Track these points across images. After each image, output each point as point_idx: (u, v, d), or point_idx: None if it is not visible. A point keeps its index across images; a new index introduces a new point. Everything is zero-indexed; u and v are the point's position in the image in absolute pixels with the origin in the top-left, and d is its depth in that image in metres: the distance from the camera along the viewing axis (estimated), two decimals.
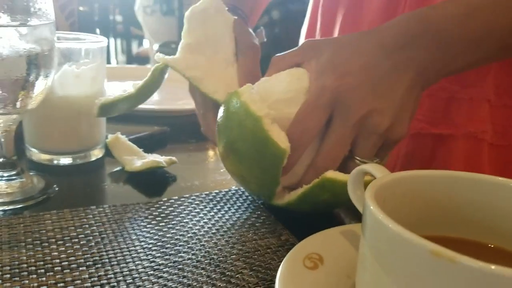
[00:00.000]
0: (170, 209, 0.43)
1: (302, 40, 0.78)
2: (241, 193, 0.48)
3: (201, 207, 0.44)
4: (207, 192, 0.48)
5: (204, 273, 0.34)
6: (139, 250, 0.36)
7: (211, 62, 0.49)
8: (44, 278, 0.32)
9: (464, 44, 0.44)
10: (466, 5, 0.44)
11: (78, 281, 0.32)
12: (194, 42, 0.49)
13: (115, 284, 0.32)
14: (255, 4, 0.70)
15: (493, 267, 0.20)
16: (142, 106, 0.54)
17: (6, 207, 0.42)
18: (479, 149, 0.57)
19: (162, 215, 0.42)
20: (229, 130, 0.40)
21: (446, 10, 0.44)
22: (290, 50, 0.46)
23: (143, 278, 0.33)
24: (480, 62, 0.49)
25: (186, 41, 0.49)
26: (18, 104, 0.42)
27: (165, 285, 0.32)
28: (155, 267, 0.34)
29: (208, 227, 0.41)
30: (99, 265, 0.34)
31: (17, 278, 0.32)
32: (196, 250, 0.37)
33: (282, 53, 0.46)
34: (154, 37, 2.74)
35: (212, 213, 0.43)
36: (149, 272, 0.34)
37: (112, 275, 0.33)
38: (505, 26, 0.44)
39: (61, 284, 0.32)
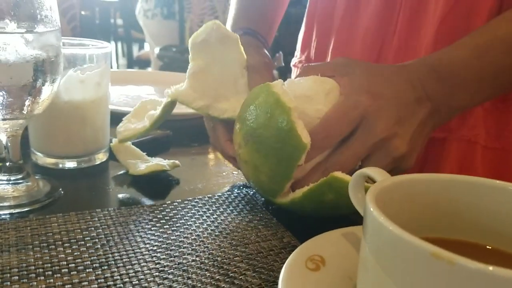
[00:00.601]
0: (174, 211, 0.44)
1: (299, 44, 0.79)
2: (243, 195, 0.49)
3: (204, 209, 0.45)
4: (210, 195, 0.48)
5: (208, 274, 0.35)
6: (144, 252, 0.37)
7: (218, 85, 0.50)
8: (51, 280, 0.33)
9: (477, 84, 0.48)
10: (474, 48, 0.48)
11: (85, 283, 0.33)
12: (199, 69, 0.50)
13: (121, 285, 0.33)
14: (272, 24, 0.72)
15: (491, 268, 0.21)
16: None
17: (12, 210, 0.43)
18: (472, 151, 0.58)
19: (166, 217, 0.43)
20: (254, 117, 0.41)
21: (454, 56, 0.48)
22: (322, 63, 0.49)
23: (148, 279, 0.34)
24: (494, 95, 0.53)
25: (192, 69, 0.51)
26: (25, 110, 0.43)
27: (170, 286, 0.33)
28: (160, 268, 0.35)
29: (212, 229, 0.41)
30: (105, 267, 0.35)
31: (25, 280, 0.33)
32: (200, 252, 0.38)
33: (314, 63, 0.48)
34: (155, 40, 2.74)
35: (215, 216, 0.44)
36: (154, 274, 0.34)
37: (118, 277, 0.34)
38: (510, 65, 0.48)
39: (69, 286, 0.32)
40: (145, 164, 0.52)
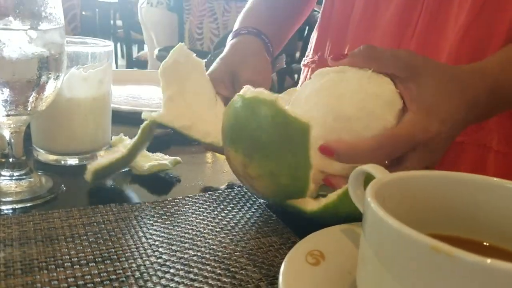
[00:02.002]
0: (175, 208, 0.45)
1: (312, 45, 0.79)
2: (243, 193, 0.49)
3: (205, 206, 0.46)
4: (211, 192, 0.49)
5: (209, 269, 0.35)
6: (146, 247, 0.37)
7: (195, 108, 0.51)
8: (54, 274, 0.33)
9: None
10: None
11: (88, 277, 0.33)
12: (174, 94, 0.50)
13: (124, 279, 0.33)
14: (278, 31, 0.72)
15: (489, 261, 0.21)
16: (146, 108, 0.56)
17: (15, 206, 0.43)
18: (485, 155, 0.59)
19: (167, 213, 0.43)
20: (245, 131, 0.40)
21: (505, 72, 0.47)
22: (387, 51, 0.42)
23: (150, 273, 0.34)
24: None
25: (166, 95, 0.50)
26: (28, 106, 0.43)
27: (171, 279, 0.33)
28: (161, 263, 0.35)
29: (213, 225, 0.42)
30: (108, 261, 0.35)
31: (28, 274, 0.33)
32: (202, 247, 0.38)
33: (379, 49, 0.43)
34: (153, 31, 2.73)
35: (216, 212, 0.44)
36: (156, 268, 0.35)
37: (121, 271, 0.34)
38: None
39: (71, 279, 0.33)
40: (148, 164, 0.52)
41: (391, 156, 0.40)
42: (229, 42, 0.65)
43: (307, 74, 0.80)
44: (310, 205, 0.41)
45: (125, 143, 0.54)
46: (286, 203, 0.42)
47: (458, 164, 0.60)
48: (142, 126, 0.48)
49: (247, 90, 0.41)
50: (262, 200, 0.48)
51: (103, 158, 0.49)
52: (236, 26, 0.68)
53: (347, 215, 0.38)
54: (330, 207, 0.40)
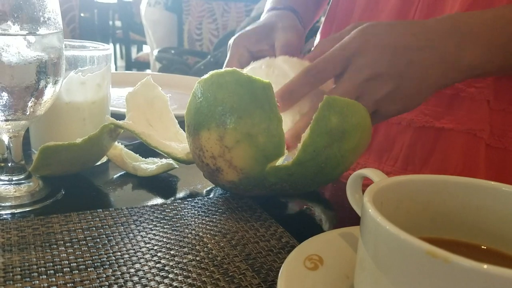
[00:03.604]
0: (174, 211, 0.45)
1: (318, 39, 0.81)
2: (241, 197, 0.49)
3: (204, 210, 0.46)
4: (210, 196, 0.49)
5: (208, 273, 0.35)
6: (145, 252, 0.37)
7: (156, 128, 0.54)
8: (53, 279, 0.33)
9: (487, 43, 0.47)
10: (492, 15, 0.48)
11: (87, 281, 0.33)
12: (137, 115, 0.53)
13: (122, 284, 0.33)
14: (308, 12, 0.74)
15: (485, 266, 0.22)
16: None
17: (14, 210, 0.43)
18: (476, 146, 0.60)
19: (166, 217, 0.43)
20: (214, 105, 0.43)
21: (475, 17, 0.48)
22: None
23: (149, 278, 0.34)
24: (505, 69, 0.52)
25: (129, 115, 0.53)
26: (27, 111, 0.43)
27: (170, 285, 0.34)
28: (160, 267, 0.36)
29: (211, 229, 0.42)
30: (107, 266, 0.35)
31: (27, 279, 0.33)
32: (200, 252, 0.38)
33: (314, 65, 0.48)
34: (152, 29, 2.73)
35: (215, 216, 0.45)
36: (155, 273, 0.35)
37: (120, 276, 0.34)
38: None
39: (70, 285, 0.33)
40: (155, 164, 0.53)
41: (327, 74, 0.45)
42: (265, 14, 0.66)
43: None
44: (290, 161, 0.43)
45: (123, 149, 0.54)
46: (266, 170, 0.43)
47: (450, 153, 0.61)
48: (103, 124, 0.48)
49: (202, 78, 0.45)
50: (260, 205, 0.48)
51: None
52: (269, 5, 0.69)
53: (325, 147, 0.41)
54: (308, 144, 0.41)
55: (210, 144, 0.44)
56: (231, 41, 0.59)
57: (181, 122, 0.75)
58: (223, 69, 0.44)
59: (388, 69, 0.44)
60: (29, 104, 0.43)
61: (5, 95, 0.41)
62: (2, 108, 0.42)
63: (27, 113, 0.43)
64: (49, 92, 0.44)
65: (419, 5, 0.62)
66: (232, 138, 0.42)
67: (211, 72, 0.44)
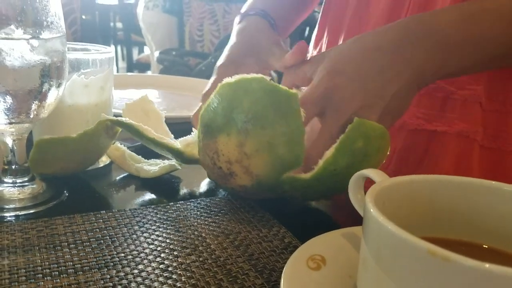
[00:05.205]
0: (177, 213, 0.45)
1: (313, 41, 0.81)
2: (244, 198, 0.49)
3: (207, 210, 0.46)
4: (212, 197, 0.49)
5: (211, 274, 0.36)
6: (148, 253, 0.38)
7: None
8: (58, 280, 0.34)
9: (461, 48, 0.47)
10: (461, 13, 0.47)
11: (91, 282, 0.34)
12: (136, 121, 0.52)
13: (127, 284, 0.34)
14: (286, 14, 0.74)
15: (486, 265, 0.22)
16: None
17: (18, 213, 0.43)
18: (470, 148, 0.60)
19: (169, 218, 0.44)
20: (238, 111, 0.42)
21: (444, 15, 0.47)
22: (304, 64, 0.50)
23: (153, 279, 0.34)
24: (476, 67, 0.52)
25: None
26: (31, 114, 0.43)
27: (174, 285, 0.34)
28: (164, 268, 0.36)
29: (214, 230, 0.42)
30: (111, 267, 0.36)
31: (32, 280, 0.34)
32: (203, 252, 0.38)
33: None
34: (151, 34, 2.74)
35: (217, 217, 0.45)
36: (158, 273, 0.35)
37: (124, 276, 0.34)
38: (494, 36, 0.47)
39: (75, 286, 0.33)
40: (158, 166, 0.53)
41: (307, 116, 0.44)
42: (237, 25, 0.66)
43: None
44: (308, 174, 0.43)
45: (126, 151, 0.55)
46: (282, 178, 0.43)
47: (442, 157, 0.61)
48: (99, 120, 0.49)
49: (226, 79, 0.44)
50: (261, 206, 0.48)
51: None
52: (244, 10, 0.69)
53: (346, 167, 0.42)
54: (330, 163, 0.42)
55: (228, 149, 0.43)
56: (219, 70, 0.59)
57: (181, 123, 0.76)
58: (250, 76, 0.43)
59: (370, 99, 0.44)
60: (33, 107, 0.43)
61: (9, 98, 0.41)
62: (6, 111, 0.42)
63: (31, 116, 0.44)
64: (53, 95, 0.44)
65: (410, 5, 0.62)
66: (253, 146, 0.42)
67: (237, 77, 0.43)
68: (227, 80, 0.44)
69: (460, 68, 0.49)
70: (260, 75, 0.43)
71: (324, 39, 0.76)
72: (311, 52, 0.81)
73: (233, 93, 0.43)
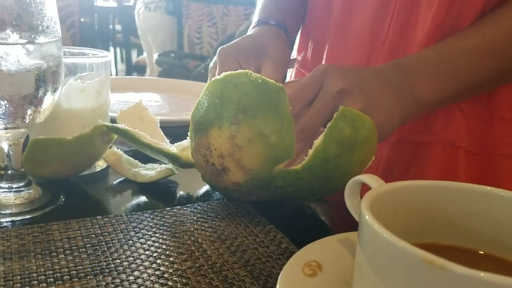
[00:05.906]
0: (173, 218, 0.45)
1: (296, 45, 0.81)
2: (240, 202, 0.49)
3: (204, 215, 0.46)
4: (209, 202, 0.49)
5: (207, 280, 0.35)
6: (144, 259, 0.38)
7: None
8: (53, 287, 0.34)
9: (436, 79, 0.52)
10: (435, 52, 0.54)
11: None
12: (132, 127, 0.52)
13: None
14: (294, 26, 0.75)
15: (481, 274, 0.22)
16: None
17: (14, 218, 0.43)
18: (455, 155, 0.61)
19: (166, 224, 0.44)
20: (228, 104, 0.44)
21: (418, 56, 0.54)
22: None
23: (148, 285, 0.34)
24: (461, 96, 0.56)
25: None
26: (26, 119, 0.43)
27: None
28: (159, 275, 0.36)
29: (211, 235, 0.42)
30: (106, 273, 0.35)
31: (27, 287, 0.33)
32: (199, 258, 0.38)
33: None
34: (151, 36, 2.74)
35: (214, 222, 0.45)
36: (154, 280, 0.35)
37: (119, 283, 0.34)
38: (466, 71, 0.53)
39: None
40: (155, 170, 0.53)
41: (296, 104, 0.46)
42: (256, 27, 0.66)
43: (291, 74, 0.82)
44: (298, 166, 0.43)
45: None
46: (274, 172, 0.44)
47: (427, 165, 0.62)
48: (95, 124, 0.49)
49: (214, 78, 0.46)
50: (256, 211, 0.48)
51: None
52: (259, 14, 0.69)
53: (336, 156, 0.43)
54: (319, 151, 0.43)
55: (220, 143, 0.44)
56: (221, 52, 0.58)
57: (177, 127, 0.75)
58: (237, 71, 0.45)
59: (355, 87, 0.46)
60: (29, 112, 0.43)
61: (4, 103, 0.41)
62: (1, 117, 0.42)
63: (27, 121, 0.44)
64: (48, 100, 0.44)
65: (394, 15, 0.61)
66: (245, 137, 0.43)
67: (225, 73, 0.45)
68: (215, 77, 0.45)
69: (444, 98, 0.53)
70: (247, 70, 0.44)
71: (310, 45, 0.76)
72: (295, 56, 0.81)
73: (222, 88, 0.44)
